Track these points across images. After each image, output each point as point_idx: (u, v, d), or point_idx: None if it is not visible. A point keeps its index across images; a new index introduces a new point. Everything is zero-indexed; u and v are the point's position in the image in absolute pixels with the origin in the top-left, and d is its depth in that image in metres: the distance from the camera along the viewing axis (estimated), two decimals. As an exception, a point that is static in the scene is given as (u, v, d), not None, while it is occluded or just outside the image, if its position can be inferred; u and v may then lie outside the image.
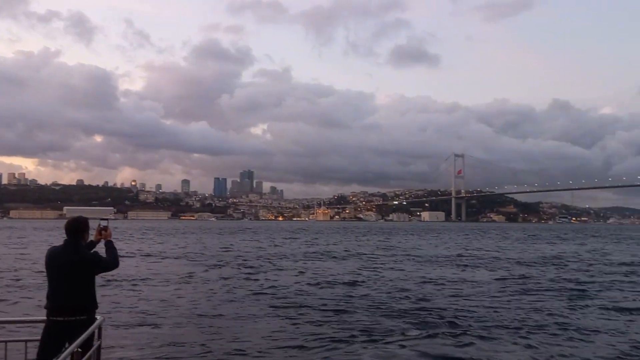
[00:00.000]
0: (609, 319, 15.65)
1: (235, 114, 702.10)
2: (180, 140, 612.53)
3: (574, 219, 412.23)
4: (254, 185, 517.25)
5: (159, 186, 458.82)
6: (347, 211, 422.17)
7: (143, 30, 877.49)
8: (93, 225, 6.22)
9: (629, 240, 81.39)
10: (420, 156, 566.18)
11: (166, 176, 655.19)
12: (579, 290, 22.03)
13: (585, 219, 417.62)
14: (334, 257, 39.04)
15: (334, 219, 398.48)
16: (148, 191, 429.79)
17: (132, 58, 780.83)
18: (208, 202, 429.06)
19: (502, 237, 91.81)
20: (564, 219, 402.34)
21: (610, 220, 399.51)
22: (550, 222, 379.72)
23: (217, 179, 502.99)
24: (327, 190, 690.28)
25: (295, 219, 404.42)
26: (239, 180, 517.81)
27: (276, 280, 23.90)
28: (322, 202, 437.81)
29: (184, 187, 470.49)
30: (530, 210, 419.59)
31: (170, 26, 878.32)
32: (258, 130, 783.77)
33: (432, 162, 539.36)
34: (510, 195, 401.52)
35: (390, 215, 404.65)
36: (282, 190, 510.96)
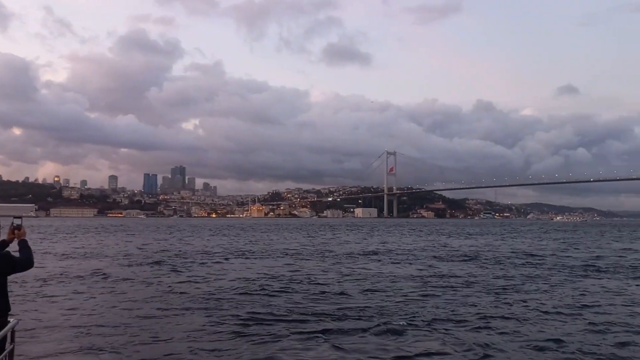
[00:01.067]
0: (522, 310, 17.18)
1: (165, 108, 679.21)
2: (106, 135, 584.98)
3: (497, 214, 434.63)
4: (186, 181, 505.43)
5: (84, 182, 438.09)
6: (281, 208, 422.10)
7: (64, 19, 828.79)
8: (10, 222, 6.11)
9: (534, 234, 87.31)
10: (354, 154, 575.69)
11: (92, 172, 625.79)
12: (495, 284, 23.78)
13: (507, 214, 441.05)
14: (260, 256, 39.43)
15: (269, 215, 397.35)
16: (72, 187, 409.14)
17: (53, 47, 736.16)
18: (137, 198, 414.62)
19: (426, 232, 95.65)
20: (488, 215, 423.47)
21: (530, 216, 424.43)
22: (477, 218, 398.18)
23: (147, 175, 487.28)
24: (262, 187, 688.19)
25: (229, 216, 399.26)
26: (170, 176, 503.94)
27: (197, 280, 23.77)
28: (256, 198, 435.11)
29: (112, 183, 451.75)
30: (457, 207, 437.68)
31: (94, 15, 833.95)
32: (190, 125, 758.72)
33: (364, 159, 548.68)
34: (438, 192, 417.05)
35: (325, 211, 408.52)
36: (215, 187, 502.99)
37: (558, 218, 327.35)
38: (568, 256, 40.44)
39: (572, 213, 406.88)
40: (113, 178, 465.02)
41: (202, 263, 32.37)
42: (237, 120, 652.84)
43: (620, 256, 40.73)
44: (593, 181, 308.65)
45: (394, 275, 26.38)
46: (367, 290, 21.10)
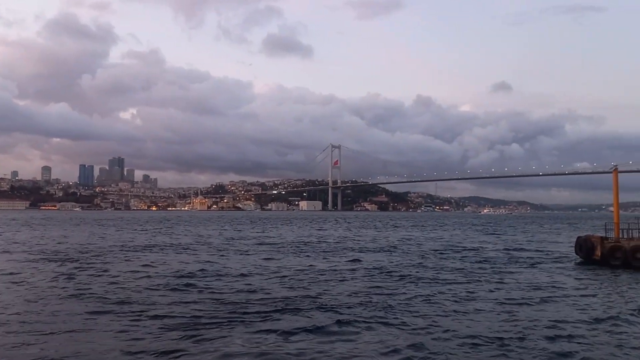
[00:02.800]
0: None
1: (99, 97, 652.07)
2: (37, 123, 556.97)
3: (437, 207, 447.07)
4: (125, 173, 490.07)
5: (15, 173, 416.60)
6: (225, 201, 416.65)
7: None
8: None
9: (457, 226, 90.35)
10: (297, 146, 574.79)
11: (23, 162, 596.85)
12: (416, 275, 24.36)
13: (447, 207, 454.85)
14: (186, 249, 38.64)
15: (212, 208, 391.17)
16: (2, 178, 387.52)
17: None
18: (72, 190, 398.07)
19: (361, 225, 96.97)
20: (429, 208, 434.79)
21: (466, 209, 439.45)
22: (419, 211, 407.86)
23: (82, 166, 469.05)
24: (204, 179, 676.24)
25: (170, 208, 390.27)
26: (107, 167, 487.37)
27: (117, 276, 23.18)
28: (199, 191, 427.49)
29: (45, 175, 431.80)
30: (399, 200, 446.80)
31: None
32: (127, 114, 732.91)
33: (308, 152, 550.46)
34: (382, 185, 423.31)
35: (269, 204, 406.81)
36: (155, 179, 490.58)
37: (485, 211, 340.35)
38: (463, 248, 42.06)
39: (506, 206, 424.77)
40: (46, 169, 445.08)
41: (113, 259, 31.23)
42: (177, 111, 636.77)
43: (506, 249, 42.89)
44: (526, 176, 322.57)
45: (316, 269, 26.52)
46: (279, 283, 21.16)
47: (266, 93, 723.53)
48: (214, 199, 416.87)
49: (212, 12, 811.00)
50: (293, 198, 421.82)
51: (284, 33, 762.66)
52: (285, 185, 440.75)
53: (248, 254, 34.70)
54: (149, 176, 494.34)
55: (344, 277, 23.54)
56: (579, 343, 12.77)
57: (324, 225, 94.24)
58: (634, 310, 16.91)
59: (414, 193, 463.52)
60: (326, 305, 16.58)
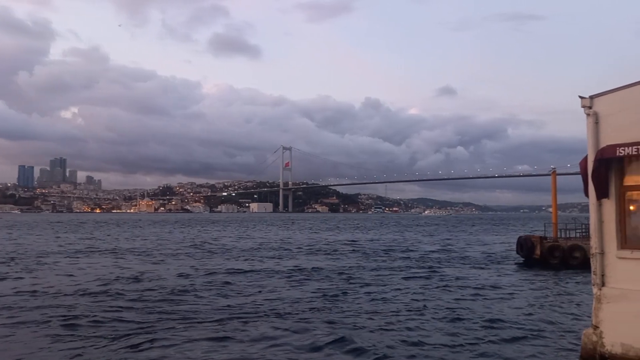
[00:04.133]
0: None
1: (38, 94, 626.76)
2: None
3: (387, 209, 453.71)
4: (67, 174, 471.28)
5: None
6: (173, 202, 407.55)
7: None
8: None
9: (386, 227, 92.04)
10: (247, 148, 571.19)
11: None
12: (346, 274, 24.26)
13: (396, 209, 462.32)
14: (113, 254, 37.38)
15: (159, 210, 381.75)
16: None
17: None
18: (11, 192, 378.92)
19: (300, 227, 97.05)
20: (379, 209, 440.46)
21: (413, 210, 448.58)
22: (370, 212, 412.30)
23: (22, 167, 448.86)
24: (150, 181, 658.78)
25: (115, 211, 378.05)
26: (48, 168, 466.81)
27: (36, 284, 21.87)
28: (145, 193, 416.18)
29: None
30: (350, 201, 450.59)
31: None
32: (68, 113, 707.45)
33: (258, 154, 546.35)
34: (332, 187, 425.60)
35: (219, 206, 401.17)
36: (99, 180, 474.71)
37: (427, 212, 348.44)
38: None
39: (453, 207, 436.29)
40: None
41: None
42: (121, 110, 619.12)
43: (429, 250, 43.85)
44: (470, 178, 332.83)
45: (233, 271, 26.08)
46: (215, 290, 20.56)
47: (215, 94, 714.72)
48: (161, 201, 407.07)
49: (156, 10, 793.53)
50: (244, 200, 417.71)
51: (231, 33, 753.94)
52: (236, 187, 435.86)
53: (181, 258, 33.87)
54: (92, 177, 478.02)
55: (280, 280, 23.23)
56: (511, 337, 13.04)
57: (271, 227, 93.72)
58: (566, 305, 17.51)
59: (364, 194, 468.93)
60: (260, 310, 16.29)
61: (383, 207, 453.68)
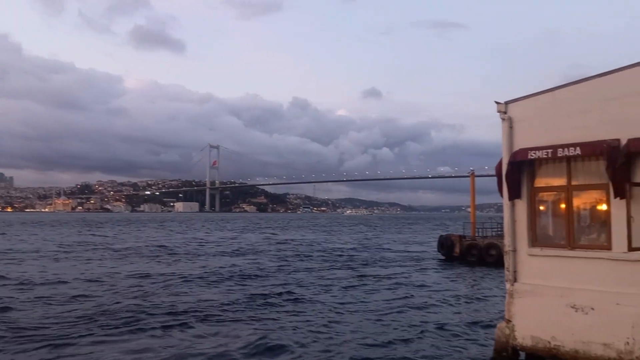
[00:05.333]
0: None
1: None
2: None
3: (315, 209, 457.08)
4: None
5: None
6: (92, 201, 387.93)
7: None
8: None
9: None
10: (172, 145, 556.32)
11: None
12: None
13: (324, 209, 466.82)
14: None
15: (77, 209, 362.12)
16: None
17: None
18: None
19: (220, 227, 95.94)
20: (307, 209, 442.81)
21: (338, 210, 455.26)
22: (299, 212, 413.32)
23: None
24: (68, 178, 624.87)
25: (28, 210, 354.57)
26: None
27: None
28: (62, 191, 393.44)
29: None
30: (278, 201, 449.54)
31: None
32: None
33: (184, 152, 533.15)
34: (260, 187, 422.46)
35: (142, 206, 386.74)
36: (11, 177, 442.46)
37: (348, 212, 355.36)
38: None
39: (379, 207, 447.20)
40: None
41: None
42: (35, 103, 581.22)
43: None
44: (395, 179, 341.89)
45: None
46: (127, 292, 19.66)
47: (138, 89, 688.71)
48: (79, 200, 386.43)
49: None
50: (168, 199, 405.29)
51: (153, 25, 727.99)
52: (160, 186, 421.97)
53: (93, 260, 32.35)
54: (3, 174, 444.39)
55: (195, 282, 22.67)
56: (428, 332, 13.51)
57: (192, 227, 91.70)
58: (481, 301, 18.44)
59: (293, 194, 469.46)
60: (174, 312, 15.87)
61: (311, 207, 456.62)
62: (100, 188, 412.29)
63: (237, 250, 41.61)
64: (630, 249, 8.37)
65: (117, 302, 17.23)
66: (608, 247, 8.81)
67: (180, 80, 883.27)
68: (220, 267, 28.38)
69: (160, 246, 43.89)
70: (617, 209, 8.65)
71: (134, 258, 33.60)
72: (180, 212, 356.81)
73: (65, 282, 21.93)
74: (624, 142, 8.47)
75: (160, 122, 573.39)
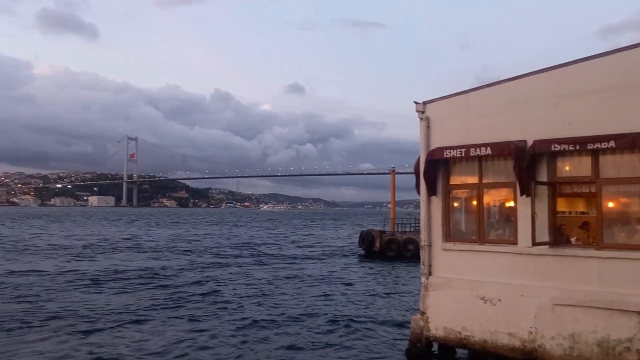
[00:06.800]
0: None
1: None
2: None
3: (239, 204, 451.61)
4: None
5: None
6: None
7: None
8: None
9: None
10: (85, 136, 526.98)
11: None
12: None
13: (247, 204, 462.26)
14: None
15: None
16: None
17: None
18: None
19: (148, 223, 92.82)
20: (230, 204, 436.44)
21: (264, 206, 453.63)
22: (222, 207, 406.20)
23: None
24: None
25: None
26: None
27: None
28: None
29: None
30: (201, 196, 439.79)
31: None
32: None
33: (98, 143, 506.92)
34: (182, 181, 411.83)
35: (53, 199, 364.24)
36: None
37: (265, 207, 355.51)
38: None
39: (303, 203, 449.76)
40: None
41: None
42: None
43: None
44: (319, 175, 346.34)
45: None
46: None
47: (48, 75, 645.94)
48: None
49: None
50: (82, 193, 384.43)
51: (62, 9, 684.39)
52: (73, 179, 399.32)
53: None
54: None
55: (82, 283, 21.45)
56: (348, 327, 13.78)
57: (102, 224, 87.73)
58: (399, 294, 19.08)
59: (216, 189, 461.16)
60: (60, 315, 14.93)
61: (235, 202, 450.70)
62: (6, 180, 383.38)
63: (137, 246, 39.75)
64: (534, 243, 8.93)
65: None
66: (514, 242, 9.36)
67: (94, 68, 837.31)
68: (114, 265, 26.84)
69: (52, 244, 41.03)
70: (523, 206, 9.20)
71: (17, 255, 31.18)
72: (95, 206, 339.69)
73: None
74: (529, 143, 9.02)
75: (72, 112, 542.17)
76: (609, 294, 8.18)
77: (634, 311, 7.91)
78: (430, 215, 10.47)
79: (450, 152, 9.91)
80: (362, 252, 34.77)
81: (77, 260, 29.26)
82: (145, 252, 35.25)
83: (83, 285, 20.44)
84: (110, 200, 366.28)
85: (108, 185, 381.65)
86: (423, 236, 10.55)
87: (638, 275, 7.99)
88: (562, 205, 9.92)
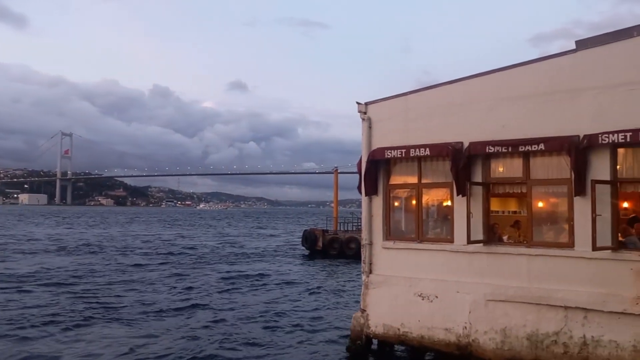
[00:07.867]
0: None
1: None
2: None
3: (180, 202, 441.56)
4: None
5: None
6: None
7: None
8: None
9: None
10: (14, 131, 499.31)
11: None
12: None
13: (189, 202, 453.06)
14: None
15: None
16: None
17: None
18: None
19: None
20: (170, 203, 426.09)
21: (204, 205, 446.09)
22: (162, 206, 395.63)
23: None
24: None
25: None
26: None
27: None
28: None
29: None
30: (139, 194, 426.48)
31: None
32: None
33: (29, 139, 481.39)
34: (119, 179, 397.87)
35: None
36: None
37: (202, 206, 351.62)
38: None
39: (246, 202, 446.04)
40: None
41: None
42: None
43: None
44: (262, 173, 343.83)
45: None
46: None
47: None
48: None
49: None
50: (11, 190, 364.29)
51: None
52: (2, 175, 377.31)
53: None
54: None
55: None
56: (289, 326, 13.82)
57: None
58: (340, 292, 19.31)
59: (155, 188, 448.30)
60: None
61: (175, 201, 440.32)
62: None
63: (63, 247, 37.89)
64: (469, 242, 9.25)
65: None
66: (451, 240, 9.67)
67: (25, 60, 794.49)
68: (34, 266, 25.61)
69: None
70: (459, 206, 9.51)
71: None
72: (26, 204, 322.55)
73: None
74: (466, 144, 9.34)
75: (1, 105, 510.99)
76: (538, 289, 8.61)
77: (560, 306, 8.37)
78: (372, 214, 10.64)
79: (391, 153, 10.10)
80: (305, 251, 34.87)
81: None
82: (72, 252, 33.84)
83: None
84: (43, 198, 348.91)
85: (40, 182, 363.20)
86: (364, 235, 10.71)
87: (564, 272, 8.45)
88: (495, 205, 10.36)
